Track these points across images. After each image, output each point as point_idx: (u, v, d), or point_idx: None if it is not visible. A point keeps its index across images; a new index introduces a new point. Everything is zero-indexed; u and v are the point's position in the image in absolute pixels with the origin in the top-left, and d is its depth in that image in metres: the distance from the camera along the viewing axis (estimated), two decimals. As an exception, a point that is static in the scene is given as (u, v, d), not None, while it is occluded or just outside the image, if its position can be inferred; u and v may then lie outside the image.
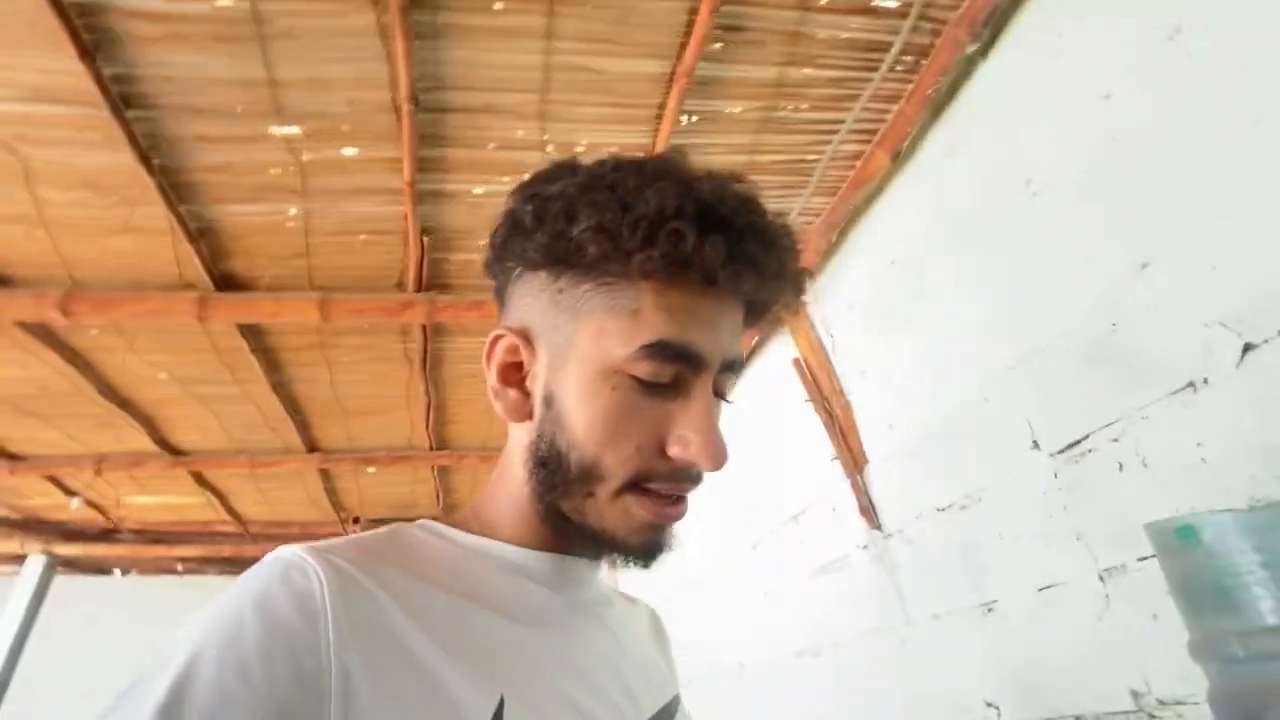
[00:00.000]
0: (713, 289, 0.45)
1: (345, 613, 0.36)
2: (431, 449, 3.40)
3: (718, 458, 0.44)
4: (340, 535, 0.52)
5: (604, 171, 0.45)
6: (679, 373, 0.44)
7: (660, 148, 1.73)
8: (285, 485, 3.83)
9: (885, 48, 1.52)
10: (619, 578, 2.42)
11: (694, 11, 1.44)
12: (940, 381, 1.52)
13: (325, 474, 3.70)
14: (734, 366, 0.47)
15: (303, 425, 3.09)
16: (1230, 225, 0.97)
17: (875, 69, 1.57)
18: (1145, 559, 1.05)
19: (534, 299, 0.48)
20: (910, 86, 1.59)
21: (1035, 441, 1.28)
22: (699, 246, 0.42)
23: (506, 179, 1.83)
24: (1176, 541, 0.78)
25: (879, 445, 1.75)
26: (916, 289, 1.61)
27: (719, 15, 1.44)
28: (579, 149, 1.76)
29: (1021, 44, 1.36)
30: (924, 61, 1.53)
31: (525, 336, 0.48)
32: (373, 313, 2.18)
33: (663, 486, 0.45)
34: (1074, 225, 1.21)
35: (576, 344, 0.45)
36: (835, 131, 1.73)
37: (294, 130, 1.65)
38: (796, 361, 2.01)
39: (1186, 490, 1.00)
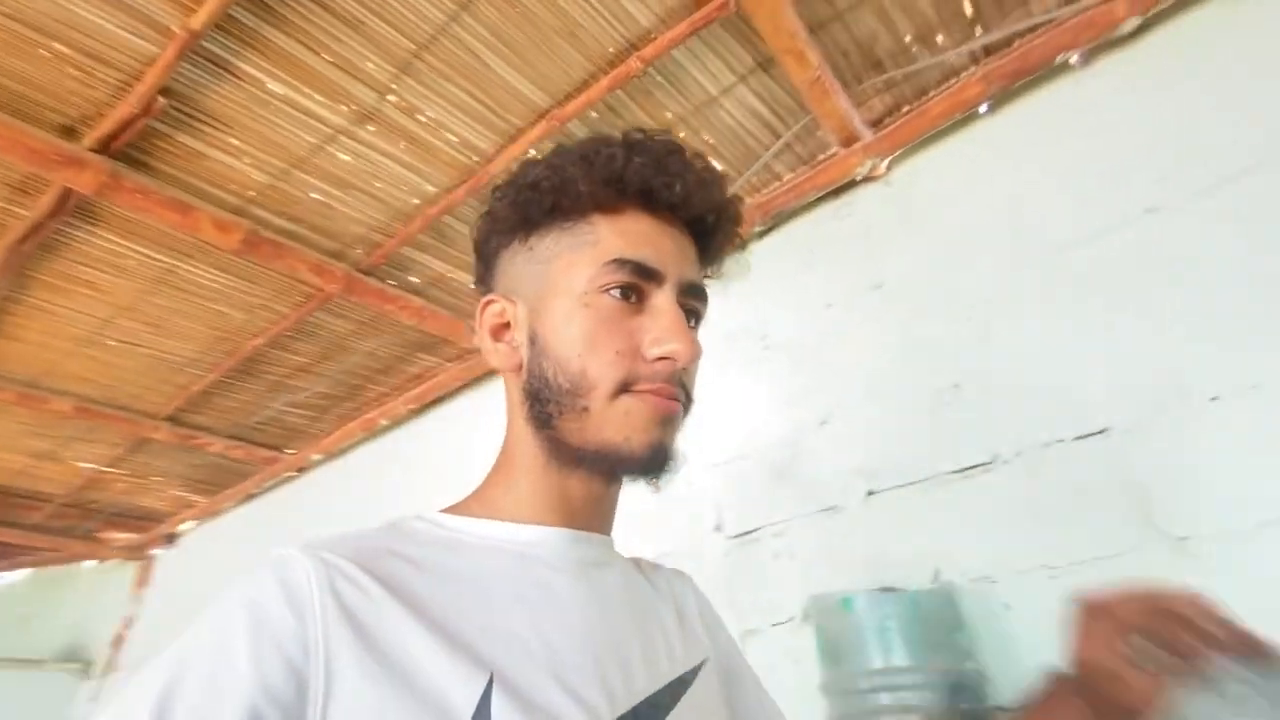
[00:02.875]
0: (657, 214, 0.51)
1: (333, 603, 0.38)
2: (-64, 359, 2.26)
3: (689, 347, 0.47)
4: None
5: (557, 147, 0.54)
6: (640, 287, 0.49)
7: (500, 165, 1.75)
8: None
9: (704, 193, 1.90)
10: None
11: (596, 76, 1.59)
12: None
13: None
14: (694, 291, 0.51)
15: None
16: (875, 407, 1.52)
17: (691, 203, 1.93)
18: (778, 624, 1.45)
19: (510, 264, 0.54)
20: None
21: (719, 525, 1.65)
22: (628, 162, 0.49)
23: (318, 97, 1.58)
24: (839, 608, 1.14)
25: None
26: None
27: (612, 95, 1.62)
28: (420, 117, 1.65)
29: (784, 247, 1.88)
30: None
31: (508, 297, 0.53)
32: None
33: (651, 388, 0.47)
34: (789, 378, 1.69)
35: (550, 284, 0.50)
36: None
37: None
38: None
39: (814, 578, 1.45)
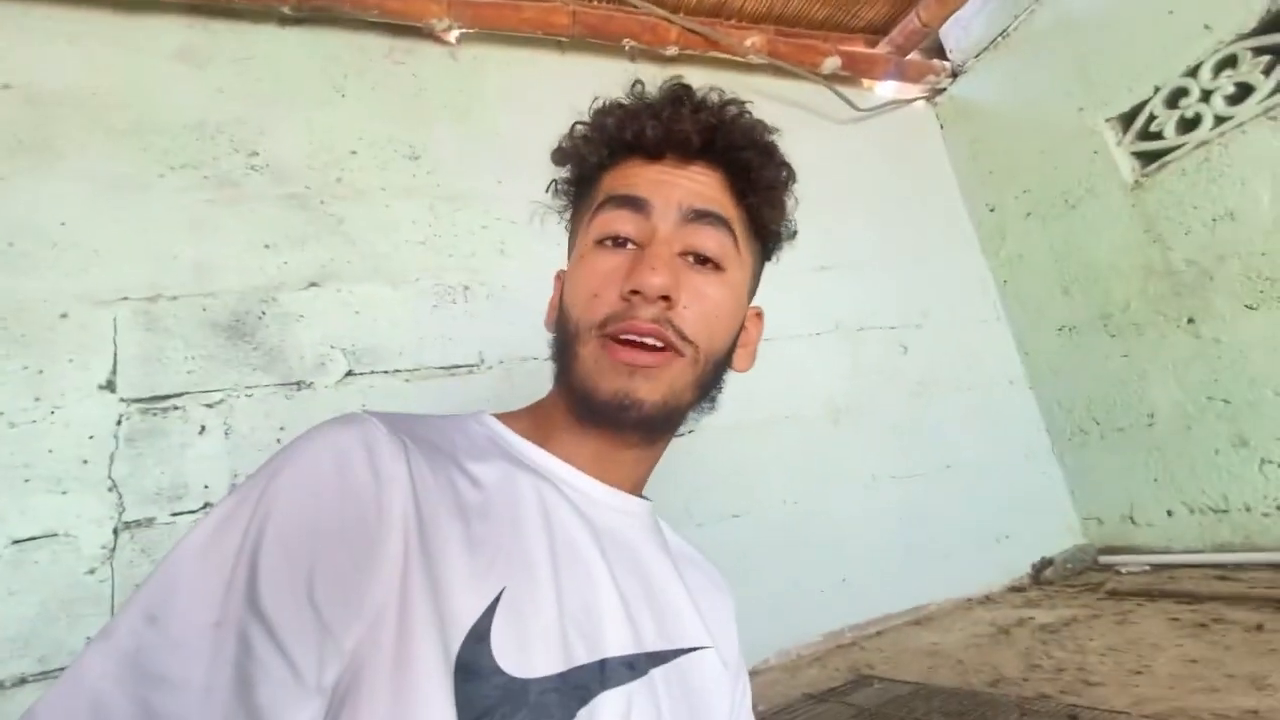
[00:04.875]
0: (661, 160, 0.51)
1: (404, 477, 0.41)
2: None
3: (657, 277, 0.45)
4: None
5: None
6: (634, 226, 0.49)
7: None
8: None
9: None
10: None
11: None
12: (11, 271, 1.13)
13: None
14: (705, 218, 0.49)
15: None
16: (381, 283, 1.38)
17: None
18: (185, 513, 1.13)
19: (569, 238, 0.59)
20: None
21: (109, 382, 1.15)
22: (613, 118, 0.51)
23: None
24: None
25: None
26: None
27: None
28: None
29: (317, 53, 1.48)
30: None
31: (565, 271, 0.57)
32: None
33: (621, 326, 0.46)
34: (280, 215, 1.34)
35: (571, 246, 0.55)
36: None
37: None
38: None
39: (249, 461, 1.20)
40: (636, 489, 0.55)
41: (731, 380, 1.76)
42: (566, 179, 0.56)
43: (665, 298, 0.47)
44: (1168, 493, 1.72)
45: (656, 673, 0.46)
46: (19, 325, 1.12)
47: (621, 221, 0.48)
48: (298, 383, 1.27)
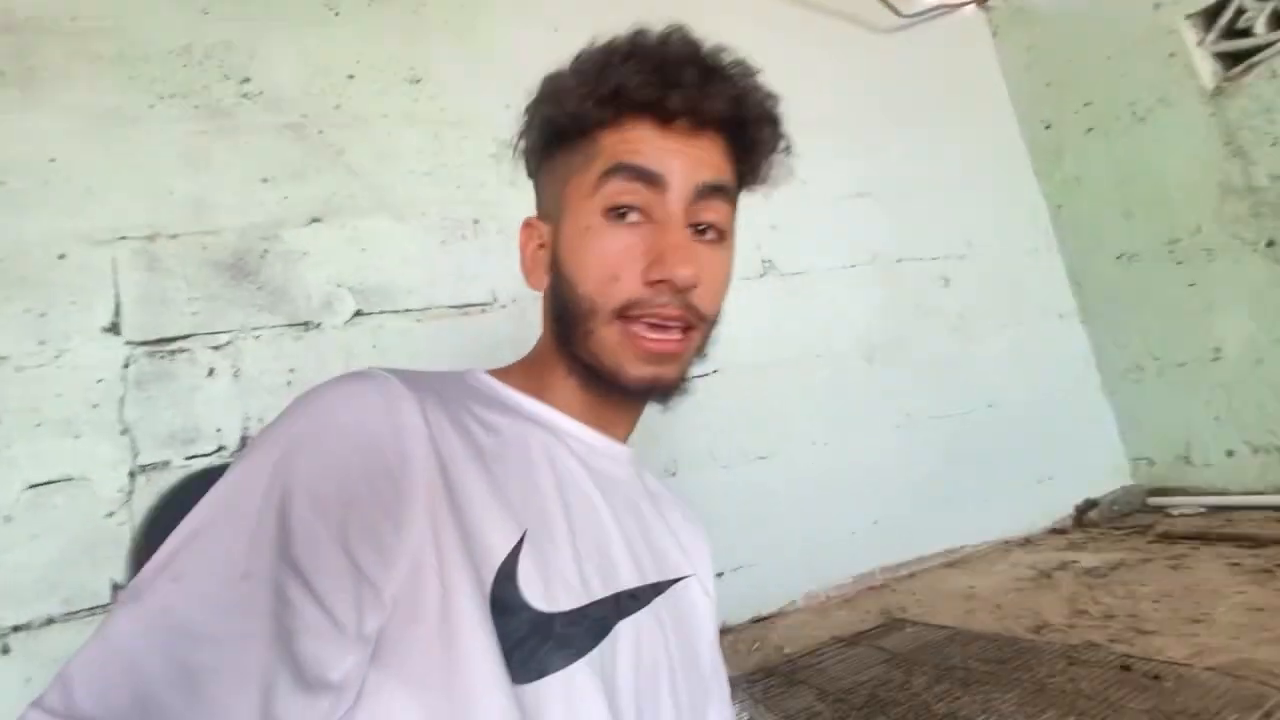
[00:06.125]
0: (670, 126, 0.47)
1: (423, 430, 0.41)
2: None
3: (688, 268, 0.44)
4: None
5: (575, 55, 0.49)
6: (644, 198, 0.46)
7: None
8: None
9: None
10: None
11: None
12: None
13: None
14: (714, 192, 0.48)
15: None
16: (387, 219, 1.31)
17: None
18: (198, 456, 1.12)
19: (541, 185, 0.54)
20: None
21: (114, 325, 1.12)
22: (621, 74, 0.46)
23: None
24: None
25: None
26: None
27: None
28: None
29: (305, -35, 1.36)
30: None
31: (543, 220, 0.53)
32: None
33: (646, 311, 0.46)
34: (279, 148, 1.27)
35: (564, 206, 0.49)
36: None
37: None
38: None
39: (259, 405, 1.17)
40: (625, 438, 0.57)
41: (758, 317, 1.67)
42: (553, 121, 0.49)
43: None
44: (1230, 431, 1.60)
45: (658, 601, 0.50)
46: (17, 267, 1.08)
47: (633, 194, 0.46)
48: (305, 323, 1.23)
